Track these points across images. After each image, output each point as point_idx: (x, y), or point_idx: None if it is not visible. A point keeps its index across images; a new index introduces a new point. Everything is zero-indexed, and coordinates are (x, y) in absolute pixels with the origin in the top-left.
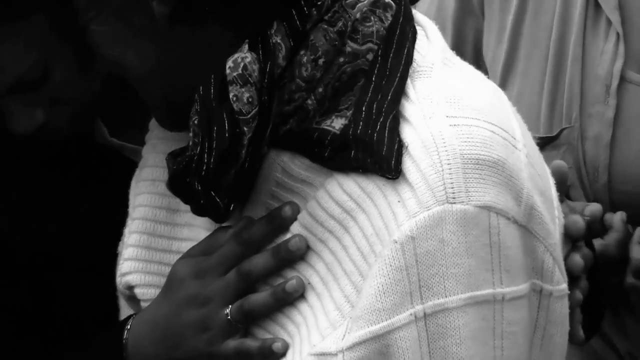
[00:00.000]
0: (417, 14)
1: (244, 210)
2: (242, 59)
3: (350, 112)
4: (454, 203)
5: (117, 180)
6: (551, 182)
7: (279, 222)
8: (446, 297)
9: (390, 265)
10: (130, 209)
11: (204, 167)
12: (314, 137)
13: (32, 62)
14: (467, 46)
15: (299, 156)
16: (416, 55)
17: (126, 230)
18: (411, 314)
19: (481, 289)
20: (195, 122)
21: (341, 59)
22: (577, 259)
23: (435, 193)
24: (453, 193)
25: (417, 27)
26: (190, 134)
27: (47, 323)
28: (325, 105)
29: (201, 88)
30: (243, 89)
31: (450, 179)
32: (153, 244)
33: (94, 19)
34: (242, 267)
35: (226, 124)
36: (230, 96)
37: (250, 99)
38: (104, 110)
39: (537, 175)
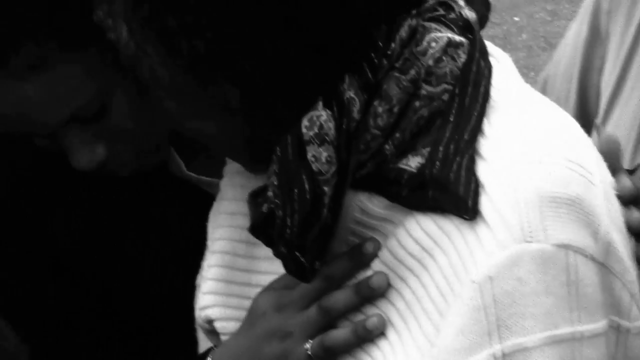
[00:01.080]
0: (490, 46)
1: None
2: (318, 117)
3: (427, 150)
4: (532, 242)
5: (194, 213)
6: None
7: (360, 258)
8: (525, 336)
9: (469, 305)
10: (208, 242)
11: (288, 231)
12: (391, 177)
13: (91, 93)
14: (593, 73)
15: (376, 195)
16: (492, 91)
17: (205, 264)
18: (490, 354)
19: (560, 327)
20: (275, 183)
21: (417, 103)
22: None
23: (512, 232)
24: (530, 232)
25: (492, 60)
26: (270, 193)
27: (125, 354)
28: (403, 149)
29: (278, 149)
30: (321, 149)
31: (527, 217)
32: (233, 277)
33: (164, 99)
34: (324, 302)
35: (307, 186)
36: (309, 157)
37: (328, 158)
38: (177, 141)
39: (613, 210)
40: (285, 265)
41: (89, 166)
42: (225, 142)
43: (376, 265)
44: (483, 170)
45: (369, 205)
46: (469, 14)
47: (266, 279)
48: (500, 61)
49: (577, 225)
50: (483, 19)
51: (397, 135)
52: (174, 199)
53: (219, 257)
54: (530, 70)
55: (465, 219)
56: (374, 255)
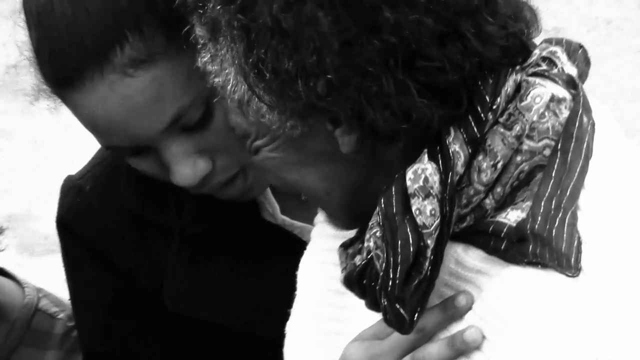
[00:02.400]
0: (592, 100)
1: None
2: (423, 170)
3: (527, 204)
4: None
5: (285, 259)
6: None
7: (453, 311)
8: None
9: None
10: (298, 290)
11: (390, 283)
12: (489, 230)
13: (195, 93)
14: None
15: (472, 248)
16: (595, 146)
17: (294, 312)
18: None
19: None
20: (377, 234)
21: (519, 158)
22: None
23: (611, 288)
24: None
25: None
26: (371, 244)
27: None
28: (502, 202)
29: (382, 200)
30: (425, 202)
31: (634, 275)
32: (322, 326)
33: (267, 146)
34: (416, 355)
35: (410, 239)
36: (413, 210)
37: (432, 212)
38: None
39: None
40: (386, 317)
41: (191, 180)
42: (324, 192)
43: (470, 317)
44: (583, 223)
45: (465, 257)
46: (571, 69)
47: (356, 329)
48: (600, 115)
49: None
50: (582, 75)
51: (498, 189)
52: (266, 245)
53: (308, 306)
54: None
55: (568, 275)
56: (468, 308)
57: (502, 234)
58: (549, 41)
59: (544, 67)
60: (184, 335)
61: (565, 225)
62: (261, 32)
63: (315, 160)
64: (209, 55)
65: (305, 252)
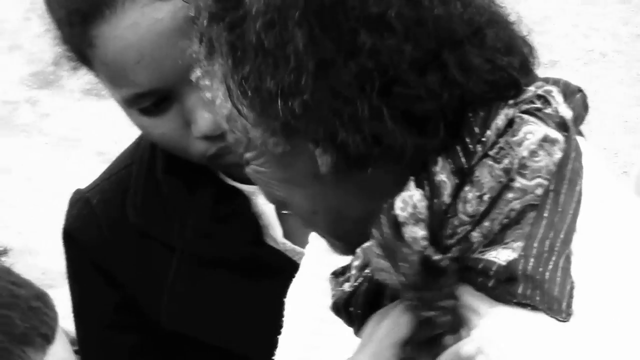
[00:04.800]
0: (581, 143)
1: None
2: (410, 197)
3: (518, 244)
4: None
5: (283, 284)
6: None
7: (439, 351)
8: None
9: None
10: (285, 317)
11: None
12: (478, 267)
13: None
14: None
15: (462, 284)
16: (588, 192)
17: (281, 339)
18: None
19: None
20: (376, 262)
21: (510, 195)
22: None
23: (601, 331)
24: (625, 336)
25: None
26: (375, 265)
27: None
28: (491, 239)
29: (374, 232)
30: (416, 228)
31: (624, 320)
32: (310, 356)
33: (255, 160)
34: None
35: (413, 260)
36: (406, 237)
37: (424, 236)
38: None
39: None
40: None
41: (213, 126)
42: (310, 213)
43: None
44: (578, 266)
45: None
46: (566, 111)
47: (345, 357)
48: (589, 157)
49: None
50: (579, 119)
51: (487, 224)
52: (265, 269)
53: (296, 335)
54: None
55: (558, 320)
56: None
57: (491, 272)
58: (545, 80)
59: (538, 104)
60: (179, 355)
61: (559, 268)
62: (246, 50)
63: (301, 180)
64: (201, 71)
65: (295, 279)
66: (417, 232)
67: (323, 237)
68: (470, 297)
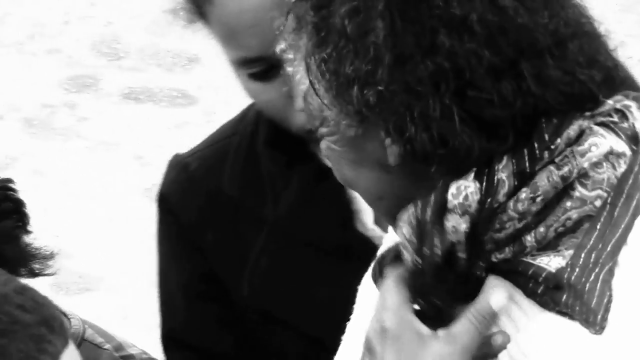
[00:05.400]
0: None
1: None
2: (465, 187)
3: (569, 253)
4: None
5: (363, 269)
6: None
7: (489, 349)
8: None
9: None
10: (355, 305)
11: (419, 279)
12: (529, 273)
13: None
14: None
15: (516, 287)
16: None
17: (349, 326)
18: None
19: None
20: (404, 232)
21: (568, 204)
22: None
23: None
24: None
25: None
26: (400, 239)
27: None
28: (544, 244)
29: (419, 204)
30: (461, 220)
31: None
32: None
33: (328, 136)
34: None
35: (438, 250)
36: (448, 225)
37: (466, 230)
38: None
39: None
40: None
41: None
42: (375, 197)
43: (504, 356)
44: (618, 279)
45: (515, 295)
46: None
47: None
48: None
49: None
50: None
51: (541, 229)
52: (351, 253)
53: (362, 324)
54: None
55: (591, 332)
56: (503, 347)
57: (541, 278)
58: (625, 95)
59: (615, 119)
60: (252, 332)
61: (600, 281)
62: (329, 32)
63: (370, 164)
64: (286, 44)
65: (370, 266)
66: (460, 224)
67: (387, 220)
68: (522, 300)
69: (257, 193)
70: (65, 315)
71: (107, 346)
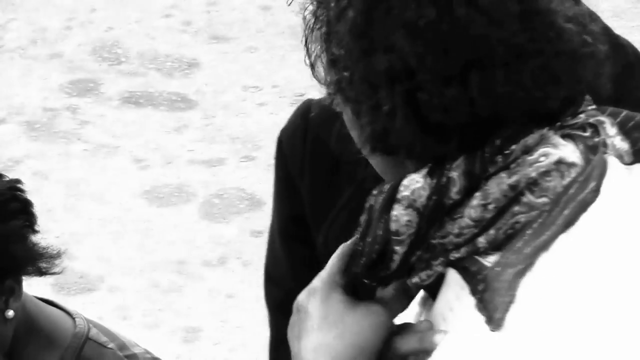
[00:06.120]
0: (632, 173)
1: (429, 313)
2: (416, 182)
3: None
4: None
5: None
6: None
7: (429, 345)
8: None
9: None
10: None
11: (356, 264)
12: (473, 269)
13: None
14: None
15: (464, 281)
16: (584, 217)
17: None
18: None
19: None
20: (362, 221)
21: (517, 208)
22: None
23: (520, 356)
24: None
25: (618, 184)
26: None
27: None
28: (495, 246)
29: (374, 192)
30: (404, 212)
31: (543, 346)
32: None
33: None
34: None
35: (378, 239)
36: (392, 214)
37: (408, 223)
38: None
39: None
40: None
41: None
42: (386, 177)
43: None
44: (527, 282)
45: (466, 287)
46: (622, 144)
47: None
48: (634, 180)
49: None
50: None
51: (492, 232)
52: None
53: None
54: None
55: (490, 329)
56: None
57: (480, 276)
58: (603, 110)
59: (587, 133)
60: None
61: (507, 281)
62: (321, 12)
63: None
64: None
65: None
66: (402, 216)
67: None
68: (466, 295)
69: (355, 153)
70: (70, 314)
71: (111, 345)
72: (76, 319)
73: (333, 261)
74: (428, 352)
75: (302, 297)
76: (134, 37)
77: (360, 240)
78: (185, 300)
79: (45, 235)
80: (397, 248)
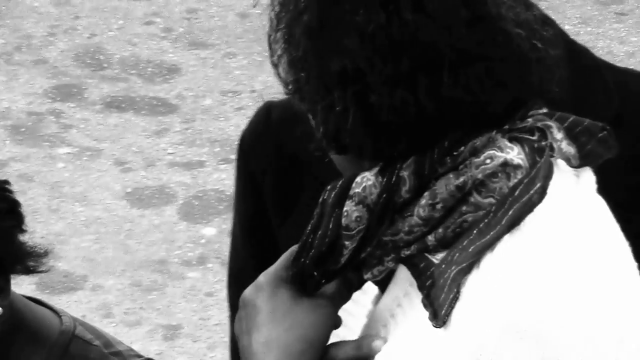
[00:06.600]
0: (584, 170)
1: (376, 309)
2: (367, 179)
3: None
4: None
5: None
6: None
7: (367, 351)
8: None
9: None
10: None
11: (304, 256)
12: (421, 266)
13: None
14: None
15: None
16: (530, 217)
17: None
18: None
19: None
20: (314, 214)
21: (464, 208)
22: None
23: (468, 348)
24: (481, 354)
25: (568, 180)
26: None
27: None
28: (444, 244)
29: (328, 187)
30: (355, 208)
31: (486, 339)
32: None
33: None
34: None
35: (329, 232)
36: (344, 209)
37: (358, 219)
38: None
39: None
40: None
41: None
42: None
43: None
44: (473, 281)
45: (409, 289)
46: (568, 148)
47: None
48: (581, 187)
49: None
50: (590, 156)
51: (440, 230)
52: None
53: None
54: None
55: (434, 325)
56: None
57: (429, 272)
58: (550, 114)
59: (534, 137)
60: None
61: (450, 279)
62: (282, 17)
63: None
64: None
65: None
66: (353, 211)
67: None
68: (415, 292)
69: (318, 155)
70: (56, 312)
71: (96, 342)
72: (62, 317)
73: (281, 258)
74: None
75: (249, 292)
76: (116, 43)
77: (311, 232)
78: (166, 299)
79: (30, 236)
80: (347, 243)
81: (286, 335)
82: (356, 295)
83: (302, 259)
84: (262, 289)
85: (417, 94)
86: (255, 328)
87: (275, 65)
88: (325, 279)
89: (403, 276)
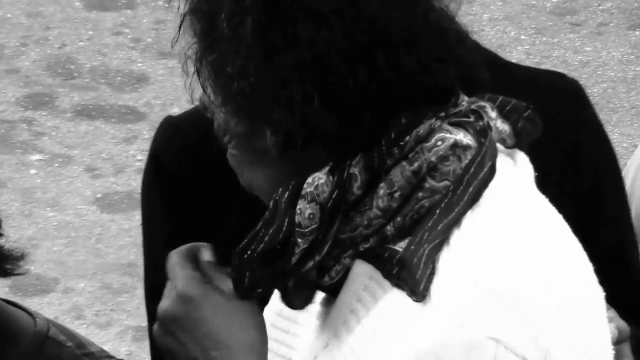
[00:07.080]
0: (515, 152)
1: (332, 308)
2: (318, 179)
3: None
4: (464, 329)
5: None
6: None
7: None
8: None
9: None
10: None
11: (250, 249)
12: (385, 255)
13: None
14: None
15: (374, 270)
16: (486, 193)
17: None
18: None
19: None
20: (265, 216)
21: (420, 194)
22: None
23: (451, 317)
24: (466, 319)
25: (507, 164)
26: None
27: None
28: (403, 232)
29: (280, 189)
30: (308, 205)
31: (469, 306)
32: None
33: (229, 143)
34: None
35: (283, 228)
36: (297, 207)
37: (311, 216)
38: None
39: (577, 330)
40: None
41: None
42: (268, 194)
43: (358, 329)
44: (445, 256)
45: (375, 275)
46: (503, 126)
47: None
48: (519, 166)
49: (516, 325)
50: (523, 133)
51: (399, 219)
52: None
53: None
54: None
55: (414, 300)
56: None
57: (395, 260)
58: (481, 96)
59: (471, 119)
60: None
61: (424, 255)
62: (215, 38)
63: (262, 161)
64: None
65: None
66: (306, 208)
67: None
68: (382, 279)
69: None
70: (30, 314)
71: (69, 344)
72: (36, 319)
73: (184, 269)
74: None
75: (174, 305)
76: (86, 53)
77: (262, 227)
78: (136, 301)
79: (5, 240)
80: (300, 241)
81: (225, 339)
82: (294, 314)
83: (249, 252)
84: (191, 301)
85: (377, 68)
86: (195, 338)
87: (204, 89)
88: (264, 285)
89: (359, 271)
